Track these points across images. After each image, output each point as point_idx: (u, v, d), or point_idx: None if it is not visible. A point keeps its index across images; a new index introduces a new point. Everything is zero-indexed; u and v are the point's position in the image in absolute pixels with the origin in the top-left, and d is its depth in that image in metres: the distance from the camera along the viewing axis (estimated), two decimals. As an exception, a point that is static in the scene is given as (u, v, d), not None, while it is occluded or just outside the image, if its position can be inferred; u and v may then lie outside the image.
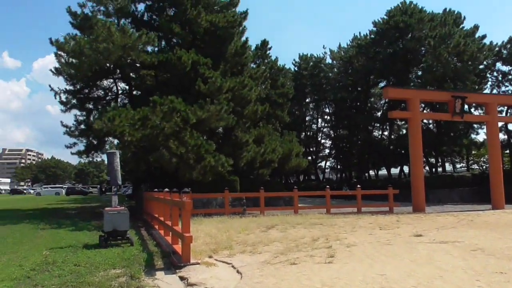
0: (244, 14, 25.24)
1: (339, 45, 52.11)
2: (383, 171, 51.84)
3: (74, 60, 22.19)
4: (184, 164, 19.70)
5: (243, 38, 25.68)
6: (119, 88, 27.18)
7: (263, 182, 25.60)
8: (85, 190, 73.68)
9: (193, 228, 9.64)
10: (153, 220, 15.28)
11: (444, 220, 15.09)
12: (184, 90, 22.69)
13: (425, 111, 37.47)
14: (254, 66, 30.80)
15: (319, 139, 57.85)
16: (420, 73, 41.03)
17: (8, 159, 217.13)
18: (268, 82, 31.92)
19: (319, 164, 60.66)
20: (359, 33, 48.71)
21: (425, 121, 39.84)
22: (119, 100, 27.14)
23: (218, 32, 23.54)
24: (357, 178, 50.19)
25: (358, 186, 23.21)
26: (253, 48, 31.25)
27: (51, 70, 23.69)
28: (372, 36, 45.07)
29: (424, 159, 39.11)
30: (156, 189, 17.17)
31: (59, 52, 22.64)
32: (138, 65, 23.76)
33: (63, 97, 25.55)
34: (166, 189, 12.33)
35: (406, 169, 44.53)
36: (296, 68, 53.94)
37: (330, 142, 57.50)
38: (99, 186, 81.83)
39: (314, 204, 25.48)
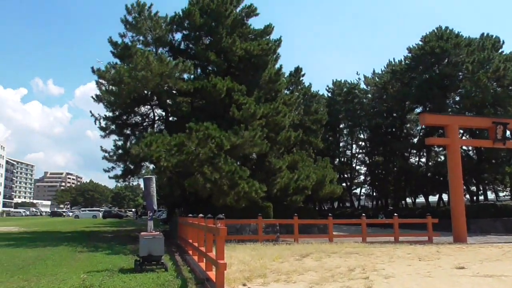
0: (278, 42, 25.64)
1: (373, 71, 51.77)
2: (421, 199, 50.26)
3: (114, 88, 23.07)
4: (218, 190, 19.80)
5: (277, 65, 26.02)
6: (156, 114, 27.90)
7: (297, 208, 25.33)
8: (121, 214, 75.10)
9: (227, 255, 9.59)
10: (187, 245, 15.32)
11: (488, 252, 14.37)
12: (218, 116, 23.06)
13: (464, 138, 36.35)
14: (288, 92, 30.99)
15: (354, 165, 56.98)
16: (458, 98, 40.06)
17: (50, 182, 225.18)
18: (301, 108, 32.00)
19: (354, 191, 59.53)
20: (393, 59, 48.42)
21: (464, 147, 38.62)
22: (155, 126, 27.81)
23: (253, 59, 23.97)
24: (393, 206, 48.84)
25: (395, 214, 22.56)
26: (286, 74, 31.53)
27: (92, 97, 24.65)
28: (407, 61, 44.62)
29: (464, 187, 37.67)
30: (190, 215, 17.29)
31: (100, 80, 23.64)
32: (174, 92, 24.39)
33: (103, 123, 26.41)
34: (201, 215, 12.39)
35: (445, 197, 43.02)
36: (329, 94, 53.88)
37: (365, 168, 56.49)
38: (134, 210, 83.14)
39: (350, 232, 24.90)
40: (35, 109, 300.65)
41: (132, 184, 39.26)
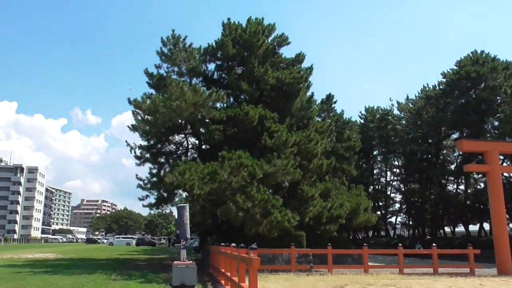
0: (310, 70, 25.84)
1: (407, 96, 51.12)
2: (460, 228, 48.28)
3: (149, 117, 23.65)
4: (250, 219, 19.69)
5: (309, 93, 26.14)
6: (189, 142, 28.32)
7: (330, 237, 24.83)
8: (154, 241, 75.66)
9: (259, 285, 9.46)
10: (219, 274, 15.20)
11: (536, 286, 13.55)
12: (251, 144, 23.19)
13: (505, 164, 34.97)
14: (320, 119, 30.94)
15: (389, 193, 55.64)
16: (496, 123, 38.83)
17: (86, 209, 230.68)
18: (334, 136, 31.77)
19: (389, 220, 57.96)
20: (427, 84, 47.69)
21: (505, 174, 37.10)
22: (189, 154, 28.19)
23: (285, 87, 24.19)
24: (431, 235, 47.14)
25: (434, 244, 21.72)
26: (318, 101, 31.57)
27: (128, 126, 25.33)
28: (442, 87, 43.88)
29: (507, 215, 35.99)
30: (223, 243, 17.22)
31: (136, 110, 24.32)
32: (207, 120, 24.78)
33: (138, 151, 26.97)
34: (233, 244, 12.33)
35: (486, 226, 41.16)
36: (362, 121, 53.41)
37: (401, 196, 55.07)
38: (167, 238, 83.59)
39: (386, 263, 24.11)
40: (74, 138, 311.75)
41: (165, 211, 39.67)
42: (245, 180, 19.67)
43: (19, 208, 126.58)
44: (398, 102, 51.98)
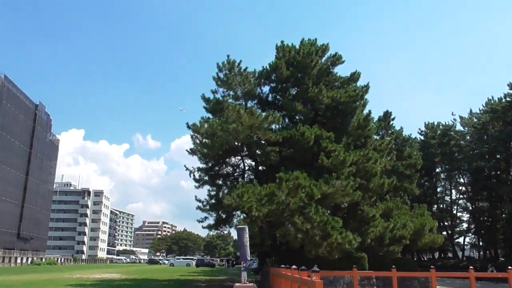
0: (365, 88, 25.44)
1: (470, 110, 48.74)
2: (538, 250, 44.56)
3: (207, 141, 24.29)
4: (310, 241, 19.41)
5: (365, 111, 25.67)
6: (246, 164, 28.64)
7: (394, 260, 23.86)
8: (213, 262, 76.39)
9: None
10: (280, 298, 15.04)
11: None
12: (307, 164, 23.04)
13: None
14: (378, 137, 30.23)
15: (454, 212, 52.74)
16: None
17: (147, 231, 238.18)
18: (393, 154, 30.83)
19: (456, 240, 54.74)
20: (492, 97, 45.25)
21: None
22: (245, 175, 28.47)
23: (340, 107, 23.95)
24: (504, 256, 43.87)
25: (509, 267, 20.18)
26: (375, 119, 30.88)
27: (187, 150, 26.14)
28: (509, 98, 41.40)
29: None
30: (283, 265, 17.07)
31: (195, 134, 25.09)
32: (263, 142, 24.99)
33: (197, 174, 27.63)
34: (294, 266, 12.19)
35: None
36: (422, 137, 51.47)
37: (468, 215, 52.00)
38: (226, 259, 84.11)
39: (455, 287, 22.73)
40: (136, 162, 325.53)
41: (224, 233, 40.08)
42: (303, 201, 19.50)
43: (86, 229, 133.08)
44: (460, 117, 49.70)
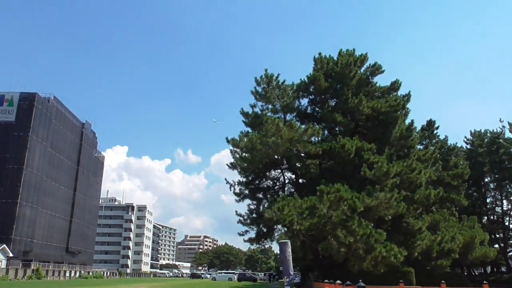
0: (407, 97, 24.88)
1: (520, 116, 46.40)
2: None
3: (247, 155, 24.41)
4: (353, 254, 18.97)
5: (407, 120, 25.03)
6: (286, 177, 28.52)
7: (443, 274, 22.84)
8: (255, 277, 75.96)
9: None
10: (324, 314, 14.73)
11: None
12: (348, 176, 22.64)
13: None
14: (421, 147, 29.33)
15: (507, 223, 50.05)
16: None
17: (189, 245, 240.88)
18: (439, 164, 29.78)
19: (510, 254, 51.81)
20: (544, 101, 42.97)
21: None
22: (286, 189, 28.33)
23: (381, 117, 23.49)
24: None
25: None
26: (418, 128, 30.02)
27: (227, 164, 26.41)
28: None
29: None
30: (326, 280, 16.75)
31: (234, 149, 25.29)
32: (303, 155, 24.84)
33: (237, 188, 27.77)
34: (338, 281, 11.93)
35: None
36: (469, 146, 49.46)
37: (522, 227, 49.20)
38: (268, 273, 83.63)
39: (511, 304, 21.43)
40: (177, 177, 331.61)
41: (265, 246, 39.82)
42: (345, 214, 19.14)
43: (131, 244, 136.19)
44: (510, 124, 47.39)
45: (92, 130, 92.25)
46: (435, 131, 33.88)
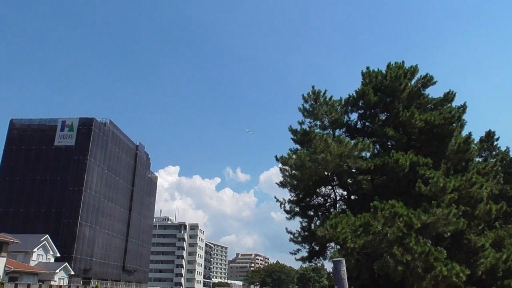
0: (462, 108, 23.88)
1: None
2: None
3: (296, 172, 24.26)
4: (411, 273, 18.22)
5: (464, 132, 23.94)
6: (337, 194, 27.99)
7: (512, 295, 21.38)
8: (307, 296, 74.57)
9: None
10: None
11: None
12: (403, 192, 21.93)
13: None
14: (480, 160, 27.90)
15: None
16: None
17: (241, 263, 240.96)
18: (500, 177, 28.12)
19: None
20: None
21: None
22: (337, 206, 27.79)
23: (435, 130, 22.67)
24: None
25: None
26: (476, 140, 28.61)
27: (277, 183, 26.28)
28: None
29: None
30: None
31: (283, 167, 25.21)
32: (354, 171, 24.34)
33: (287, 206, 27.50)
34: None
35: None
36: (533, 157, 46.43)
37: None
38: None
39: None
40: (227, 196, 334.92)
41: (317, 265, 39.14)
42: (401, 231, 18.47)
43: (183, 262, 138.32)
44: None
45: (145, 151, 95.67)
46: (495, 143, 32.10)
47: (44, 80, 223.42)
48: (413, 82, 25.38)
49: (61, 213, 66.56)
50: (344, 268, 12.82)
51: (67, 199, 67.24)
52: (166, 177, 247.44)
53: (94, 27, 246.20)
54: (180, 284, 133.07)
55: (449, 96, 24.69)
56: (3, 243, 44.03)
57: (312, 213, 28.08)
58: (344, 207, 26.83)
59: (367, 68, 26.34)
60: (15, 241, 45.21)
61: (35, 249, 54.11)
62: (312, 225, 26.64)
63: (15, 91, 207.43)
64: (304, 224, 27.66)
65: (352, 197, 26.79)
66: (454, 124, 23.12)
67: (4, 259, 43.79)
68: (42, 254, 56.14)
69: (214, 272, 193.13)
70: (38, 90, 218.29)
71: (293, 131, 26.40)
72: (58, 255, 59.34)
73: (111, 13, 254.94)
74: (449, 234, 22.46)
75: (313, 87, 25.04)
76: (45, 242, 56.29)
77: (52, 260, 58.35)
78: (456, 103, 24.79)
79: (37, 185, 69.09)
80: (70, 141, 70.87)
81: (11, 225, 62.28)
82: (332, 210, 26.37)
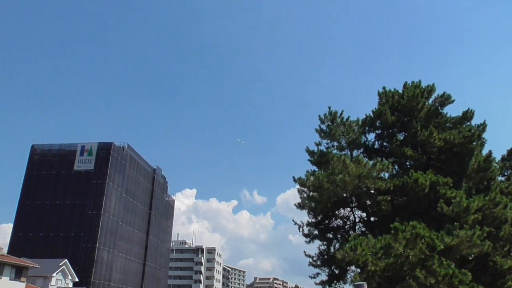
0: (482, 126, 23.49)
1: None
2: None
3: (314, 194, 24.04)
4: (436, 297, 17.65)
5: (485, 151, 23.49)
6: (356, 216, 27.56)
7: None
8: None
9: None
10: None
11: None
12: (423, 213, 21.50)
13: None
14: (503, 179, 27.25)
15: None
16: None
17: (259, 287, 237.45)
18: (524, 196, 27.40)
19: None
20: None
21: None
22: (357, 228, 27.33)
23: (455, 149, 22.32)
24: None
25: None
26: (498, 159, 28.00)
27: (295, 205, 26.07)
28: None
29: None
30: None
31: (301, 188, 25.03)
32: (373, 192, 24.01)
33: (306, 229, 27.12)
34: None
35: None
36: (558, 175, 45.19)
37: None
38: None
39: None
40: (244, 218, 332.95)
41: (337, 289, 38.23)
42: (423, 253, 18.01)
43: (201, 286, 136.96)
44: None
45: (162, 175, 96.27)
46: (517, 161, 31.37)
47: (64, 105, 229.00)
48: (430, 101, 25.19)
49: (80, 237, 67.01)
50: (366, 292, 12.56)
51: (85, 223, 67.79)
52: (183, 200, 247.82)
53: (111, 53, 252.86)
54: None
55: (468, 115, 24.36)
56: (23, 268, 44.42)
57: (331, 236, 27.64)
58: (363, 229, 26.38)
59: (383, 88, 26.27)
60: (34, 265, 45.56)
61: (54, 274, 54.37)
62: (331, 248, 26.21)
63: (35, 116, 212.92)
64: (323, 247, 27.23)
65: (372, 218, 26.35)
66: (474, 143, 22.74)
67: (24, 284, 44.07)
68: (60, 278, 56.34)
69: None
70: (58, 115, 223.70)
71: (310, 152, 26.30)
72: (77, 279, 59.45)
73: (129, 38, 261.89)
74: (473, 256, 21.83)
75: (329, 107, 25.09)
76: (64, 266, 56.57)
77: (71, 284, 58.47)
78: (475, 121, 24.45)
79: (56, 209, 69.95)
80: (89, 165, 71.90)
81: (30, 250, 62.87)
82: (351, 232, 25.94)
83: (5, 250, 52.66)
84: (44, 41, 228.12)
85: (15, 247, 64.49)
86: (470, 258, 21.89)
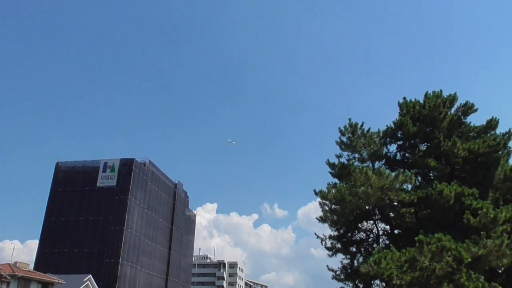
0: (508, 135, 23.03)
1: None
2: None
3: (336, 207, 23.81)
4: (464, 311, 17.14)
5: (511, 161, 22.95)
6: (379, 228, 27.14)
7: None
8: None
9: None
10: None
11: None
12: (449, 225, 21.06)
13: None
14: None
15: None
16: None
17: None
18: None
19: None
20: None
21: None
22: (380, 240, 26.88)
23: (480, 158, 21.88)
24: None
25: None
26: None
27: (317, 218, 25.82)
28: None
29: None
30: None
31: (323, 201, 24.82)
32: (396, 204, 23.65)
33: (328, 242, 26.81)
34: None
35: None
36: None
37: None
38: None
39: None
40: (265, 232, 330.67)
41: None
42: (450, 266, 17.59)
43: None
44: None
45: (183, 189, 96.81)
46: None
47: (87, 123, 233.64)
48: (452, 110, 24.84)
49: (103, 253, 67.67)
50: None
51: (109, 238, 68.51)
52: (204, 215, 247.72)
53: (133, 71, 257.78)
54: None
55: (492, 123, 23.90)
56: (49, 283, 45.06)
57: (354, 249, 27.23)
58: (387, 242, 25.93)
59: (404, 98, 26.04)
60: (59, 281, 46.14)
61: (79, 290, 54.87)
62: (355, 261, 25.82)
63: (60, 134, 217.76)
64: (346, 261, 26.83)
65: (396, 231, 25.91)
66: (500, 152, 22.29)
67: (49, 300, 44.60)
68: (85, 294, 56.83)
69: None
70: (81, 132, 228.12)
71: (331, 165, 26.14)
72: (101, 295, 59.88)
73: (152, 55, 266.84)
74: (503, 269, 21.18)
75: (349, 119, 24.98)
76: (88, 282, 57.07)
77: (95, 300, 58.90)
78: (500, 130, 23.97)
79: (80, 225, 70.96)
80: (112, 181, 72.94)
81: (56, 266, 63.73)
82: (375, 245, 25.53)
83: (31, 266, 53.51)
84: (68, 60, 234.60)
85: (41, 263, 65.52)
86: (500, 271, 21.26)
